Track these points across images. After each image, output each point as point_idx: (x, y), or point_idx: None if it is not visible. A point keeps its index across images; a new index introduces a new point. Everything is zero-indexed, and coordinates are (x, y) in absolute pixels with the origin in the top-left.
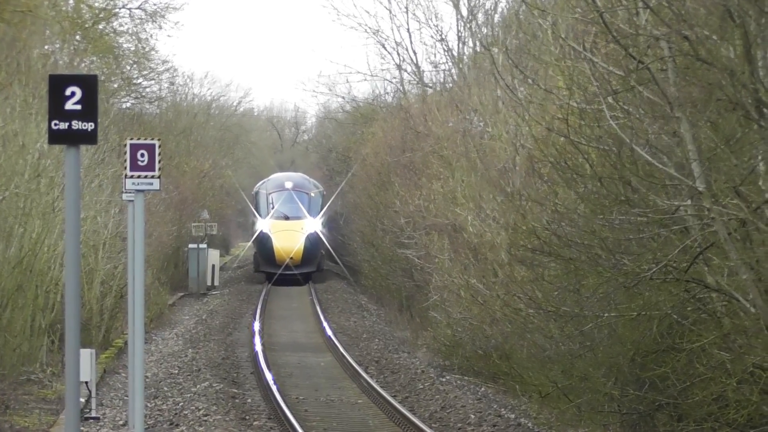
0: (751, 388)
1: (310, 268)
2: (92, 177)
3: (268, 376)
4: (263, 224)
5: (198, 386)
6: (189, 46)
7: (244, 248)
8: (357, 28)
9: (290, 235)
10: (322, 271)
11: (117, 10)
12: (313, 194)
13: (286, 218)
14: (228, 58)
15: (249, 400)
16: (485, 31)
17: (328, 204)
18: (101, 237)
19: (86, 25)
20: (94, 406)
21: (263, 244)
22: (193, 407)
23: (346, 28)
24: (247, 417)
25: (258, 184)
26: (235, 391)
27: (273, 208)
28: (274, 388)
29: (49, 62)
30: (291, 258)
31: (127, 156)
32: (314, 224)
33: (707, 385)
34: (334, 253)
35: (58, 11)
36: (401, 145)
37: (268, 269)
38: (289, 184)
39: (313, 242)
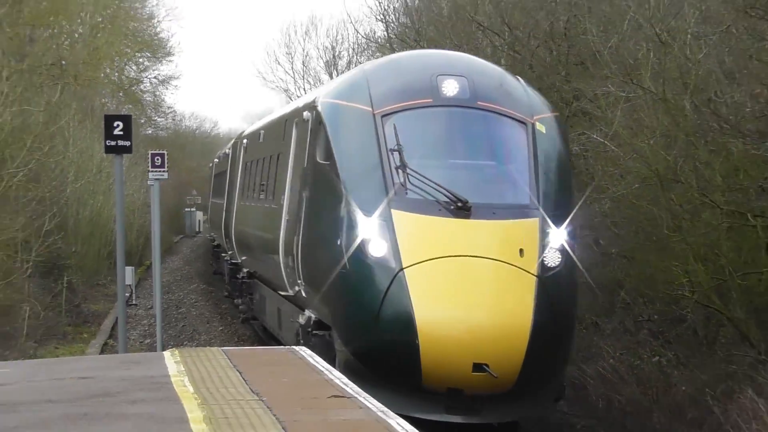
0: None
1: (537, 401)
2: (130, 171)
3: None
4: (366, 229)
5: (191, 286)
6: (183, 94)
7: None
8: (275, 88)
9: (480, 282)
10: (560, 399)
11: (142, 79)
12: (542, 127)
13: (462, 209)
14: (204, 100)
15: (220, 294)
16: None
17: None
18: (136, 204)
19: (125, 87)
20: (134, 298)
21: (365, 312)
22: (189, 297)
23: (269, 88)
24: (219, 303)
25: (325, 89)
26: (212, 288)
27: (398, 170)
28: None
29: (104, 107)
30: (482, 369)
31: (149, 160)
32: (559, 238)
33: None
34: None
35: (109, 80)
36: None
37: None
38: (452, 86)
39: (560, 308)
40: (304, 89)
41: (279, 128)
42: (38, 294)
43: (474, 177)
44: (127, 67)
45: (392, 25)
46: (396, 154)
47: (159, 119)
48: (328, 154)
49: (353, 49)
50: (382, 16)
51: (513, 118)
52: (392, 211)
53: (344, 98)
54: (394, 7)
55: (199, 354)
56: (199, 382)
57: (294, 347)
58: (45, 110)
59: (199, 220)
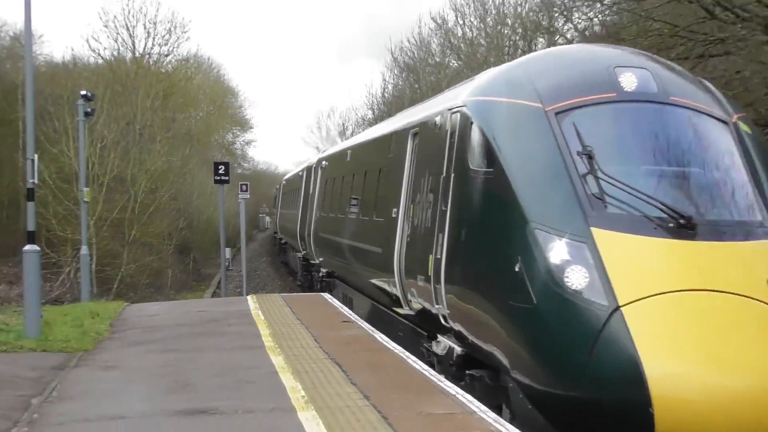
0: None
1: None
2: (228, 194)
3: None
4: (559, 253)
5: (263, 259)
6: (258, 149)
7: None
8: (310, 147)
9: (729, 326)
10: None
11: (235, 141)
12: (746, 127)
13: (684, 227)
14: (270, 151)
15: (280, 265)
16: None
17: None
18: (231, 213)
19: (226, 146)
20: (230, 266)
21: (566, 362)
22: (262, 266)
23: (307, 146)
24: (278, 270)
25: (460, 92)
26: (273, 261)
27: (589, 179)
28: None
29: (213, 157)
30: None
31: (239, 187)
32: None
33: None
34: None
35: (217, 142)
36: None
37: None
38: (634, 80)
39: None
40: (325, 148)
41: (378, 145)
42: (176, 263)
43: (684, 187)
44: (227, 135)
45: (376, 111)
46: (585, 158)
47: (244, 164)
48: (490, 160)
49: (354, 124)
50: (370, 105)
51: (713, 117)
52: (592, 229)
53: (501, 94)
54: (376, 100)
55: (267, 298)
56: (266, 313)
57: (320, 293)
58: (180, 159)
59: (267, 221)
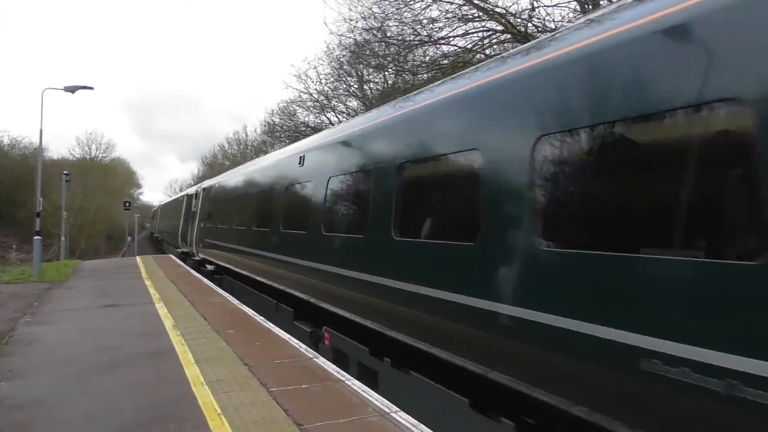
0: None
1: None
2: (128, 215)
3: None
4: None
5: (144, 242)
6: None
7: None
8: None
9: None
10: None
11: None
12: None
13: None
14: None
15: (151, 243)
16: None
17: None
18: (131, 222)
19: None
20: (130, 244)
21: None
22: (144, 243)
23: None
24: (152, 245)
25: None
26: (149, 241)
27: None
28: None
29: (126, 200)
30: None
31: (134, 212)
32: None
33: None
34: None
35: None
36: None
37: None
38: None
39: None
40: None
41: None
42: (106, 243)
43: None
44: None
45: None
46: None
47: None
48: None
49: None
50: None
51: None
52: None
53: None
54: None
55: (145, 257)
56: (145, 264)
57: (168, 254)
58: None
59: (148, 226)
